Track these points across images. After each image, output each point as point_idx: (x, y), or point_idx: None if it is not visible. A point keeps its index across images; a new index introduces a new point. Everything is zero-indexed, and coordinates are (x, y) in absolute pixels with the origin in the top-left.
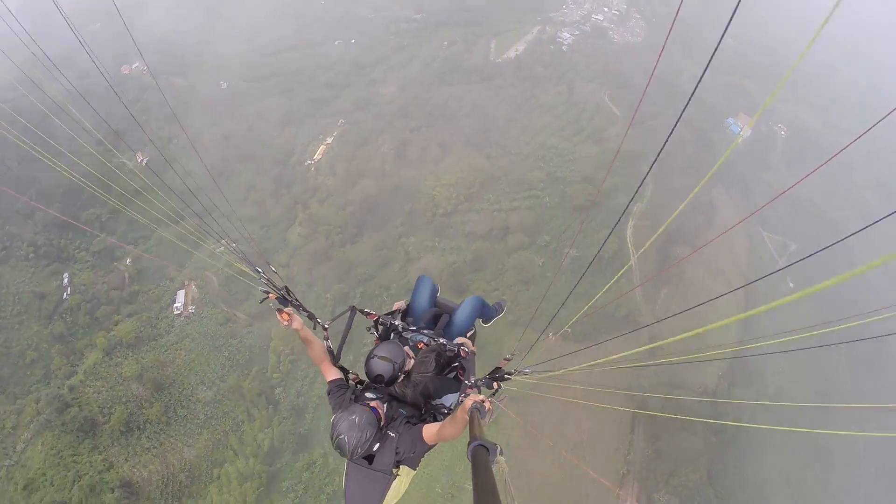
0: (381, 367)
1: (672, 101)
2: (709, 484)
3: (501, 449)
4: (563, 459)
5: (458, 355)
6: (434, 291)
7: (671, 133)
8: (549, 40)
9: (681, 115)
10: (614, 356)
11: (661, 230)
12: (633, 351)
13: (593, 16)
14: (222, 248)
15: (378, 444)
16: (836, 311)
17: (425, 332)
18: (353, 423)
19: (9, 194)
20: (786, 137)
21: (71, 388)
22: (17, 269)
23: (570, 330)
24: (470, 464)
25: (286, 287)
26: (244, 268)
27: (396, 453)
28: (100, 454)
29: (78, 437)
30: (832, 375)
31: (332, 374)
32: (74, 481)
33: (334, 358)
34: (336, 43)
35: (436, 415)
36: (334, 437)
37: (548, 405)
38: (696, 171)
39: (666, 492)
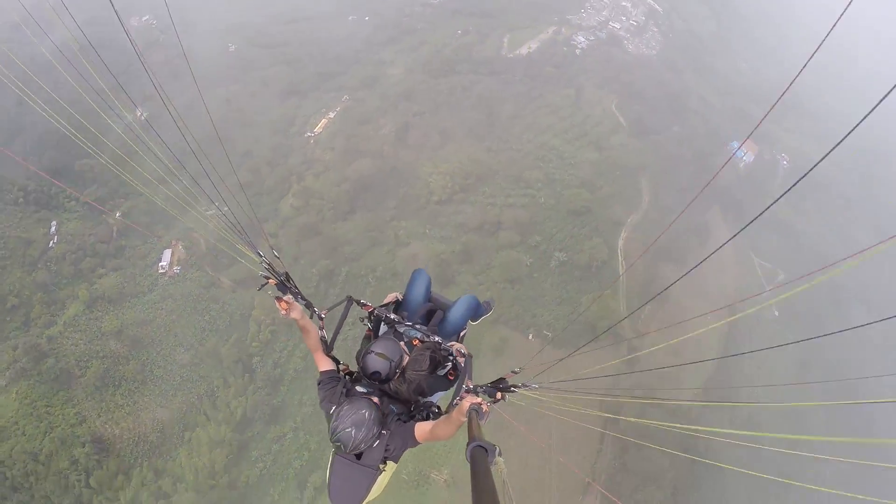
0: (379, 363)
1: (679, 117)
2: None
3: (500, 450)
4: (530, 458)
5: (451, 355)
6: (429, 285)
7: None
8: (563, 42)
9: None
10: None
11: (645, 250)
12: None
13: (610, 23)
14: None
15: (377, 441)
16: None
17: (419, 327)
18: (363, 419)
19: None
20: (788, 168)
21: (49, 339)
22: (5, 213)
23: (549, 334)
24: (469, 465)
25: (286, 273)
26: (246, 250)
27: (386, 450)
28: (73, 407)
29: (52, 388)
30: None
31: (325, 364)
32: (46, 433)
33: (327, 347)
34: (350, 18)
35: (425, 412)
36: (340, 430)
37: (518, 409)
38: (693, 191)
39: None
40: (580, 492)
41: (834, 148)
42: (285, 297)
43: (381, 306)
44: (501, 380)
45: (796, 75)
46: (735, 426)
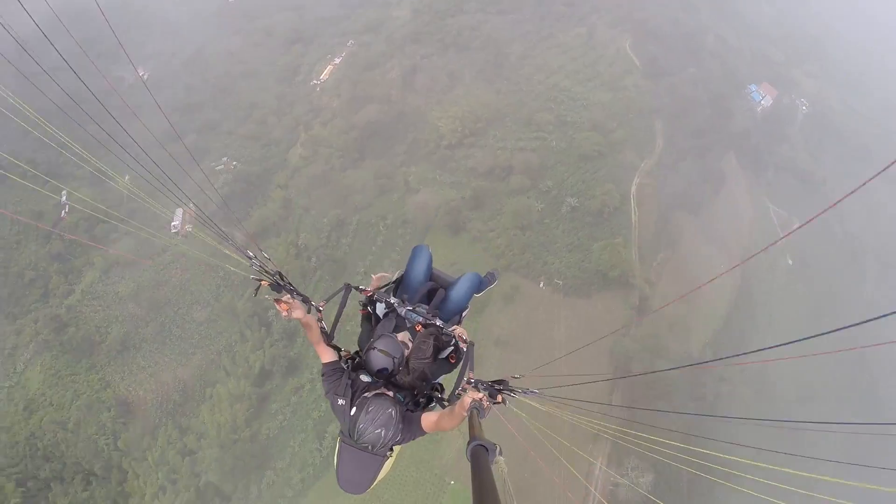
0: (384, 360)
1: (695, 58)
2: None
3: (501, 449)
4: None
5: (453, 340)
6: (430, 262)
7: None
8: None
9: None
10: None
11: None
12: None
13: None
14: (221, 167)
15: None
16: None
17: (421, 309)
18: (390, 418)
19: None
20: (806, 113)
21: (69, 308)
22: (15, 188)
23: (560, 282)
24: (469, 463)
25: (279, 272)
26: (234, 254)
27: (395, 439)
28: (96, 373)
29: (75, 356)
30: (818, 367)
31: (327, 355)
32: (73, 401)
33: (328, 338)
34: None
35: (428, 395)
36: (370, 432)
37: (529, 356)
38: (708, 135)
39: (637, 457)
40: (590, 440)
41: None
42: (284, 299)
43: (381, 289)
44: (503, 381)
45: None
46: (745, 378)
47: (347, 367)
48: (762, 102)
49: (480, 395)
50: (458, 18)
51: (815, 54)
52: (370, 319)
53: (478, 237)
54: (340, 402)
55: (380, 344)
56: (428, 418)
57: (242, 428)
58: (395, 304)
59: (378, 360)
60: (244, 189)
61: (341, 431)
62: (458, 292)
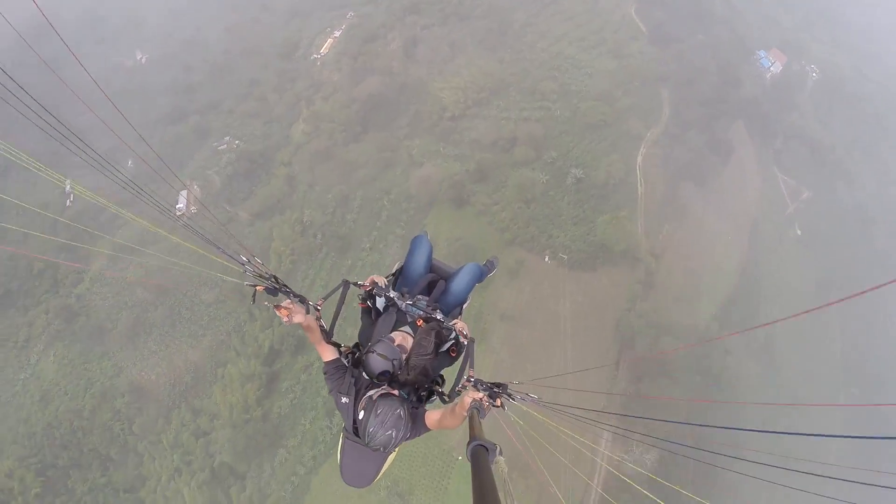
0: (384, 364)
1: (702, 24)
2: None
3: (501, 449)
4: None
5: (453, 334)
6: (430, 254)
7: None
8: None
9: None
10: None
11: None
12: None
13: None
14: (224, 146)
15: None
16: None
17: (421, 301)
18: (399, 419)
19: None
20: (817, 79)
21: (78, 297)
22: (20, 181)
23: (565, 256)
24: (470, 464)
25: (274, 276)
26: (225, 261)
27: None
28: (109, 360)
29: (87, 345)
30: (823, 336)
31: (328, 353)
32: (87, 389)
33: (327, 335)
34: None
35: (431, 389)
36: (380, 434)
37: (534, 331)
38: (716, 104)
39: (643, 433)
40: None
41: None
42: (284, 304)
43: (380, 286)
44: (502, 385)
45: None
46: (752, 350)
47: (349, 362)
48: (771, 69)
49: (481, 394)
50: None
51: (824, 18)
52: (370, 314)
53: (482, 210)
54: (344, 399)
55: (378, 348)
56: (431, 416)
57: (254, 407)
58: (396, 298)
59: (378, 364)
60: (247, 168)
61: (345, 427)
62: (458, 284)
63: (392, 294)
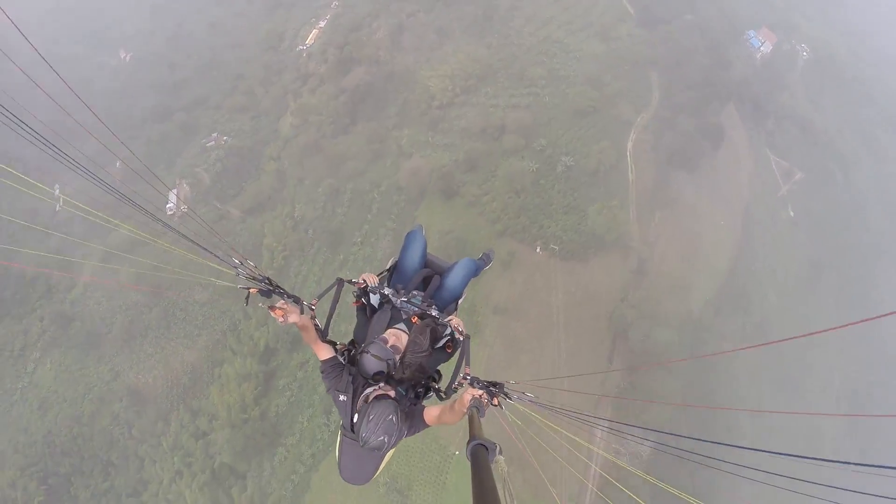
0: (378, 365)
1: (692, 4)
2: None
3: (501, 448)
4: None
5: (449, 329)
6: (425, 249)
7: None
8: None
9: None
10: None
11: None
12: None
13: None
14: (212, 143)
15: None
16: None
17: (416, 297)
18: (392, 424)
19: None
20: (807, 59)
21: (72, 303)
22: (7, 188)
23: (556, 247)
24: (469, 463)
25: (267, 278)
26: (219, 265)
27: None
28: (105, 365)
29: (83, 350)
30: (818, 311)
31: (324, 352)
32: (85, 395)
33: (322, 334)
34: None
35: (427, 386)
36: (373, 439)
37: (528, 323)
38: (707, 87)
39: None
40: (591, 406)
41: None
42: (278, 305)
43: (376, 279)
44: (499, 384)
45: None
46: (746, 332)
47: (345, 359)
48: (761, 49)
49: (480, 392)
50: None
51: None
52: (365, 311)
53: (472, 202)
54: (342, 397)
55: (372, 349)
56: (430, 412)
57: (252, 406)
58: (390, 295)
59: (371, 364)
60: (237, 164)
61: (343, 425)
62: (453, 280)
63: (386, 291)
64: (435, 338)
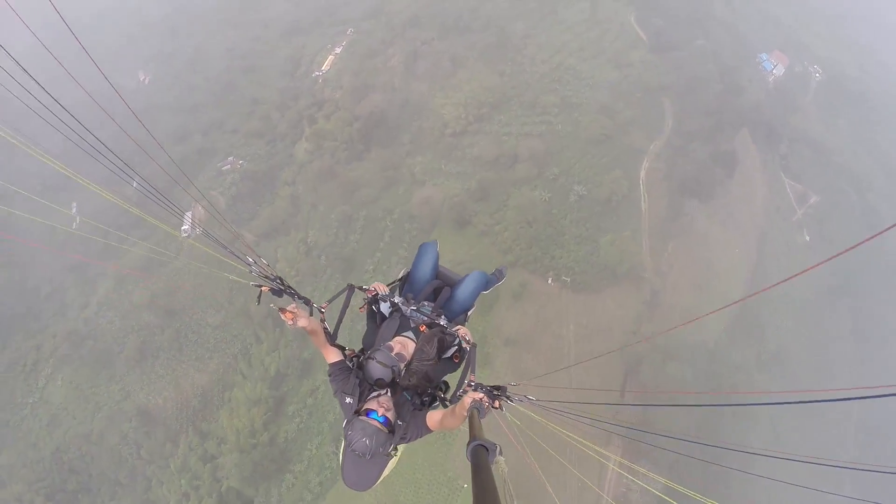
0: (381, 371)
1: (703, 28)
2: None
3: (501, 448)
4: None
5: (457, 340)
6: (437, 260)
7: None
8: None
9: None
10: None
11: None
12: None
13: None
14: (228, 166)
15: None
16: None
17: (426, 307)
18: (377, 431)
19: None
20: (820, 80)
21: (85, 321)
22: (27, 203)
23: (567, 279)
24: (469, 464)
25: (279, 277)
26: (232, 261)
27: (403, 438)
28: (116, 384)
29: (94, 369)
30: (834, 338)
31: (333, 355)
32: (94, 413)
33: (331, 338)
34: None
35: (434, 394)
36: (356, 441)
37: (538, 356)
38: (719, 115)
39: (649, 461)
40: (602, 442)
41: None
42: (289, 308)
43: (388, 286)
44: (501, 388)
45: None
46: (762, 361)
47: (354, 365)
48: (774, 72)
49: (480, 395)
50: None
51: (824, 14)
52: (375, 318)
53: (485, 231)
54: (349, 400)
55: (378, 356)
56: (432, 417)
57: (260, 432)
58: (400, 304)
59: (376, 370)
60: (251, 188)
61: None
62: (463, 292)
63: (396, 299)
64: (442, 347)
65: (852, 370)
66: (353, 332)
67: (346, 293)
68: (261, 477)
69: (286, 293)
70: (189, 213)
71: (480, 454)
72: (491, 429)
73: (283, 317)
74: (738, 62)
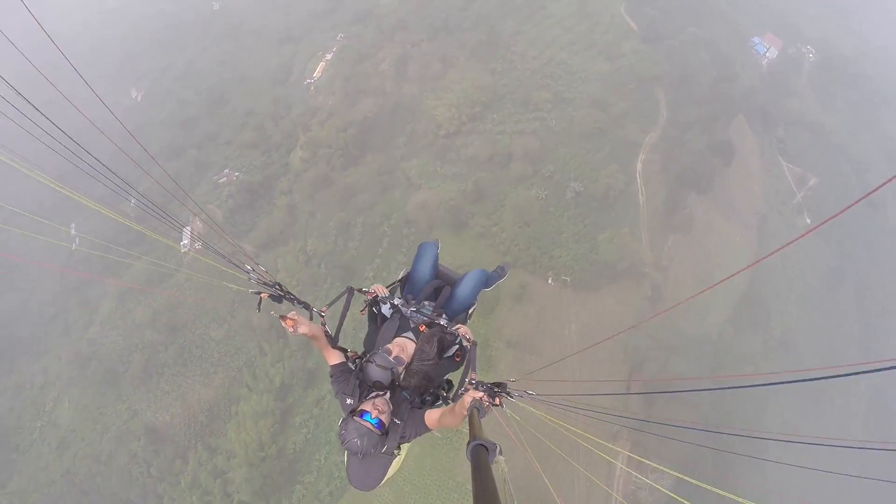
0: (380, 374)
1: (696, 16)
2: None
3: (501, 448)
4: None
5: (458, 338)
6: (436, 260)
7: None
8: None
9: None
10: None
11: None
12: None
13: None
14: (224, 179)
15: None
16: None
17: (426, 307)
18: (369, 431)
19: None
20: (814, 61)
21: (89, 342)
22: (25, 229)
23: (567, 279)
24: (469, 464)
25: (278, 283)
26: (230, 269)
27: (402, 437)
28: (123, 403)
29: (100, 389)
30: (840, 321)
31: (334, 357)
32: (103, 433)
33: (332, 340)
34: None
35: (436, 394)
36: (347, 440)
37: (541, 357)
38: (714, 102)
39: (658, 458)
40: (609, 439)
41: None
42: (290, 315)
43: (387, 289)
44: (501, 384)
45: None
46: (769, 348)
47: (355, 367)
48: (767, 55)
49: (480, 393)
50: None
51: None
52: (376, 320)
53: (482, 233)
54: (349, 401)
55: (377, 359)
56: (431, 415)
57: (269, 444)
58: (400, 305)
59: (375, 373)
60: (248, 199)
61: None
62: (463, 290)
63: (396, 301)
64: (443, 347)
65: (859, 351)
66: (356, 340)
67: (345, 296)
68: (271, 490)
69: (286, 298)
70: (188, 228)
71: (480, 454)
72: (495, 431)
73: (283, 324)
74: (731, 48)
